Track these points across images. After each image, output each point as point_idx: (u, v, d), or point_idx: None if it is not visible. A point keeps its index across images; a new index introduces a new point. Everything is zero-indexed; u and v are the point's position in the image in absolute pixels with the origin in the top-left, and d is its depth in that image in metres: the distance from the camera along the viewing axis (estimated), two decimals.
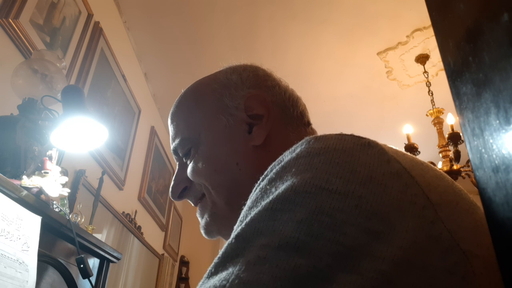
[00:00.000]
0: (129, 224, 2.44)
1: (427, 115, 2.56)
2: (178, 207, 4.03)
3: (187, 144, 0.53)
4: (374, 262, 0.24)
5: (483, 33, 0.22)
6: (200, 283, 0.29)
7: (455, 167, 2.29)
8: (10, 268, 0.75)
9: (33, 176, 0.97)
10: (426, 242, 0.26)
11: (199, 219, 0.55)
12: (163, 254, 3.30)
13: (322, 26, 2.49)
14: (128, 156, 2.49)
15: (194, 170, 0.52)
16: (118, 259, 1.40)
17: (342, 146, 0.31)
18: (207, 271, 0.29)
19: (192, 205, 0.57)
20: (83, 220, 1.43)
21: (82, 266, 1.05)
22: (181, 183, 0.55)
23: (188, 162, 0.53)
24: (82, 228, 1.21)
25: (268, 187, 0.31)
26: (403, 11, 2.37)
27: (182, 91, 0.59)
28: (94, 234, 1.38)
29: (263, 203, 0.30)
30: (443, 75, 2.71)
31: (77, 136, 1.10)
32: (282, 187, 0.30)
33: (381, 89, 3.04)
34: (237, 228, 0.30)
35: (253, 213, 0.29)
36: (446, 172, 2.22)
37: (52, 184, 1.00)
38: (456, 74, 0.25)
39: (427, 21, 2.42)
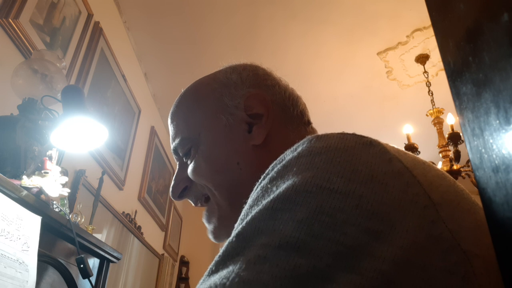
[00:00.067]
0: (129, 224, 2.44)
1: (427, 115, 2.56)
2: (178, 207, 4.03)
3: (187, 144, 0.53)
4: (374, 262, 0.24)
5: (483, 33, 0.22)
6: (201, 281, 0.29)
7: (455, 167, 2.29)
8: (10, 268, 0.75)
9: (33, 176, 0.97)
10: (427, 241, 0.26)
11: (206, 224, 0.55)
12: (163, 254, 3.30)
13: (322, 26, 2.49)
14: (128, 156, 2.49)
15: (195, 170, 0.52)
16: (118, 259, 1.40)
17: (343, 145, 0.31)
18: (208, 269, 0.29)
19: (193, 204, 0.57)
20: (83, 220, 1.43)
21: (82, 266, 1.05)
22: (181, 182, 0.55)
23: (189, 161, 0.53)
24: (82, 228, 1.21)
25: (269, 186, 0.31)
26: (403, 11, 2.37)
27: (182, 90, 0.59)
28: (94, 234, 1.38)
29: (264, 202, 0.30)
30: (443, 75, 2.72)
31: (77, 136, 1.10)
32: (283, 186, 0.29)
33: (381, 89, 3.04)
34: (238, 227, 0.30)
35: (254, 212, 0.29)
36: (446, 172, 2.22)
37: (52, 184, 1.00)
38: (456, 74, 0.25)
39: (427, 21, 2.42)
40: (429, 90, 2.64)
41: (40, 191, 0.96)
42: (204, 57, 2.73)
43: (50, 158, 1.05)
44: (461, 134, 2.22)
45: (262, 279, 0.24)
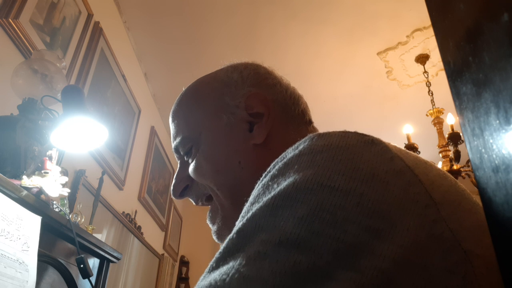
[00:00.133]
0: (129, 224, 2.44)
1: (427, 115, 2.57)
2: (178, 207, 4.03)
3: (188, 143, 0.53)
4: (375, 260, 0.24)
5: (483, 33, 0.22)
6: (202, 277, 0.29)
7: (455, 167, 2.29)
8: (10, 268, 0.75)
9: (33, 176, 0.97)
10: (428, 241, 0.26)
11: (210, 225, 0.55)
12: (163, 254, 3.30)
13: (322, 26, 2.49)
14: (128, 156, 2.49)
15: (196, 170, 0.52)
16: (118, 259, 1.40)
17: (345, 143, 0.31)
18: (209, 266, 0.29)
19: (193, 203, 0.57)
20: (83, 220, 1.43)
21: (82, 266, 1.05)
22: (182, 181, 0.55)
23: (190, 160, 0.53)
24: (82, 228, 1.21)
25: (270, 183, 0.31)
26: (403, 11, 2.37)
27: (183, 89, 0.59)
28: (94, 234, 1.38)
29: (265, 199, 0.30)
30: (443, 75, 2.72)
31: (77, 136, 1.10)
32: (284, 184, 0.30)
33: (381, 89, 3.04)
34: (238, 224, 0.30)
35: (254, 209, 0.29)
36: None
37: (52, 184, 1.00)
38: (456, 74, 0.25)
39: (427, 21, 2.42)
40: (429, 90, 2.64)
41: (40, 191, 0.96)
42: (204, 57, 2.73)
43: (50, 158, 1.05)
44: (461, 134, 2.22)
45: (262, 275, 0.24)
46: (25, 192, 0.88)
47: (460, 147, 2.26)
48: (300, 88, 0.59)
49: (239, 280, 0.25)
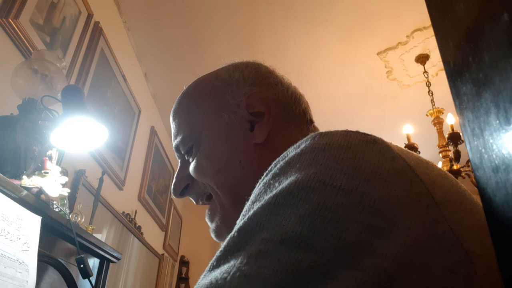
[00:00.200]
0: (129, 224, 2.44)
1: (427, 115, 2.57)
2: (178, 207, 4.03)
3: (188, 142, 0.53)
4: (376, 258, 0.24)
5: (483, 33, 0.22)
6: (202, 276, 0.29)
7: (455, 167, 2.29)
8: (10, 268, 0.75)
9: (33, 176, 0.97)
10: (429, 240, 0.26)
11: (209, 223, 0.55)
12: (163, 254, 3.30)
13: (322, 26, 2.49)
14: (128, 156, 2.49)
15: (196, 169, 0.52)
16: (118, 259, 1.40)
17: (347, 143, 0.31)
18: (209, 264, 0.29)
19: (194, 202, 0.57)
20: (83, 220, 1.43)
21: (82, 266, 1.05)
22: (182, 180, 0.55)
23: (190, 159, 0.53)
24: (82, 228, 1.21)
25: (271, 182, 0.31)
26: (403, 11, 2.37)
27: (184, 88, 0.58)
28: (94, 234, 1.38)
29: (266, 197, 0.30)
30: (443, 75, 2.72)
31: (77, 136, 1.10)
32: (285, 182, 0.29)
33: (381, 89, 3.04)
34: (239, 222, 0.30)
35: (256, 207, 0.29)
36: None
37: (52, 184, 1.00)
38: (456, 74, 0.25)
39: (427, 21, 2.42)
40: (429, 90, 2.64)
41: (40, 191, 0.96)
42: (204, 57, 2.73)
43: (50, 158, 1.05)
44: (461, 134, 2.22)
45: (263, 274, 0.24)
46: (25, 192, 0.88)
47: (460, 147, 2.26)
48: (300, 88, 0.59)
49: (240, 278, 0.24)
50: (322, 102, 3.14)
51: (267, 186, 0.31)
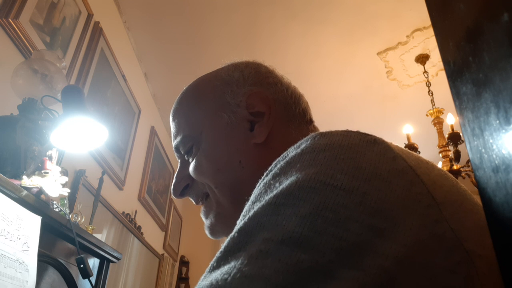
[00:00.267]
0: (129, 224, 2.44)
1: (427, 115, 2.57)
2: (178, 207, 4.03)
3: (188, 142, 0.53)
4: (377, 258, 0.24)
5: (483, 33, 0.22)
6: (202, 277, 0.28)
7: (455, 167, 2.29)
8: (10, 268, 0.75)
9: (33, 176, 0.97)
10: (430, 240, 0.26)
11: (204, 219, 0.55)
12: (163, 254, 3.30)
13: (322, 26, 2.49)
14: (128, 156, 2.49)
15: (196, 169, 0.52)
16: (118, 259, 1.40)
17: (347, 143, 0.31)
18: (209, 265, 0.29)
19: (194, 203, 0.57)
20: (83, 220, 1.43)
21: (82, 266, 1.05)
22: (182, 181, 0.55)
23: (190, 159, 0.53)
24: (82, 228, 1.21)
25: (272, 182, 0.31)
26: (403, 11, 2.37)
27: (184, 88, 0.58)
28: (94, 234, 1.38)
29: (267, 197, 0.30)
30: (443, 75, 2.72)
31: (77, 136, 1.10)
32: (286, 182, 0.29)
33: (381, 89, 3.04)
34: (240, 223, 0.30)
35: (256, 208, 0.29)
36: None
37: (52, 184, 1.00)
38: (456, 74, 0.25)
39: (427, 21, 2.42)
40: (429, 90, 2.64)
41: (40, 191, 0.96)
42: (204, 57, 2.73)
43: (50, 158, 1.05)
44: (461, 134, 2.22)
45: (264, 274, 0.24)
46: (25, 192, 0.88)
47: (460, 147, 2.26)
48: (300, 88, 0.59)
49: (241, 279, 0.24)
50: (322, 102, 3.14)
51: (268, 186, 0.31)
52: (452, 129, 2.30)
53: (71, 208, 1.58)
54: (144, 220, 2.85)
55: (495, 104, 0.21)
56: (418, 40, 2.58)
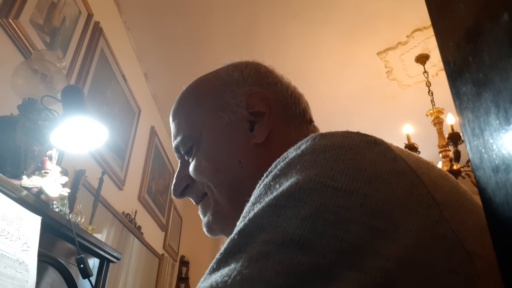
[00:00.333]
0: (129, 224, 2.44)
1: (427, 115, 2.56)
2: (178, 207, 4.03)
3: (188, 142, 0.53)
4: (378, 260, 0.24)
5: (483, 33, 0.22)
6: (202, 279, 0.28)
7: (455, 167, 2.29)
8: (10, 268, 0.75)
9: (33, 176, 0.97)
10: (431, 241, 0.26)
11: (201, 217, 0.55)
12: (163, 254, 3.30)
13: (322, 26, 2.49)
14: (128, 156, 2.49)
15: (196, 168, 0.52)
16: (118, 259, 1.40)
17: (348, 144, 0.31)
18: (209, 267, 0.28)
19: (194, 203, 0.57)
20: (83, 220, 1.43)
21: (82, 266, 1.05)
22: (183, 181, 0.55)
23: (190, 160, 0.53)
24: (82, 228, 1.21)
25: (272, 183, 0.31)
26: (403, 11, 2.37)
27: (184, 88, 0.58)
28: (94, 234, 1.38)
29: (267, 199, 0.29)
30: (443, 75, 2.72)
31: (77, 136, 1.10)
32: (286, 184, 0.29)
33: (381, 89, 3.04)
34: (240, 224, 0.30)
35: (256, 209, 0.29)
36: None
37: (52, 184, 1.00)
38: (456, 74, 0.25)
39: (427, 21, 2.42)
40: (429, 90, 2.64)
41: (40, 191, 0.96)
42: (204, 57, 2.73)
43: (50, 158, 1.05)
44: (461, 134, 2.22)
45: (264, 276, 0.24)
46: (25, 192, 0.88)
47: (460, 147, 2.26)
48: (300, 88, 0.59)
49: (241, 281, 0.24)
50: (322, 102, 3.14)
51: (268, 188, 0.31)
52: (452, 129, 2.30)
53: (71, 208, 1.58)
54: (144, 220, 2.85)
55: (495, 104, 0.21)
56: (418, 40, 2.58)
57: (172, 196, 0.58)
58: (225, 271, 0.26)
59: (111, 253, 1.34)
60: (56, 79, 1.16)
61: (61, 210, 1.09)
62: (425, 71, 2.73)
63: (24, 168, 0.99)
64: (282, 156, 0.34)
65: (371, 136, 0.33)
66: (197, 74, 0.60)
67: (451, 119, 2.38)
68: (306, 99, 0.59)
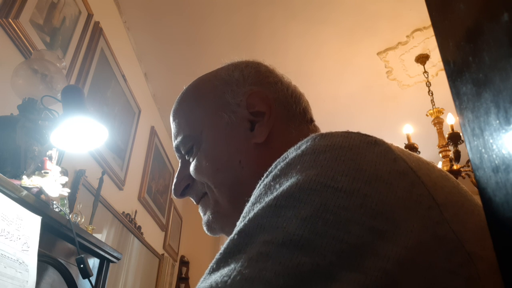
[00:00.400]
0: (129, 224, 2.44)
1: (427, 115, 2.56)
2: (178, 207, 4.03)
3: (189, 142, 0.53)
4: (379, 261, 0.24)
5: (483, 33, 0.22)
6: (202, 279, 0.28)
7: (455, 167, 2.29)
8: (10, 268, 0.75)
9: (33, 176, 0.97)
10: (431, 242, 0.26)
11: (202, 215, 0.55)
12: (163, 254, 3.30)
13: (322, 26, 2.49)
14: (128, 156, 2.49)
15: (196, 168, 0.52)
16: (118, 259, 1.40)
17: (348, 144, 0.31)
18: (209, 267, 0.28)
19: (194, 203, 0.57)
20: (83, 220, 1.43)
21: (82, 266, 1.05)
22: (183, 180, 0.55)
23: (191, 159, 0.53)
24: (82, 228, 1.21)
25: (272, 183, 0.31)
26: (403, 11, 2.37)
27: (184, 88, 0.58)
28: (94, 234, 1.38)
29: (267, 199, 0.29)
30: (443, 75, 2.71)
31: (77, 136, 1.10)
32: (286, 184, 0.29)
33: (381, 89, 3.04)
34: (239, 224, 0.30)
35: (256, 209, 0.29)
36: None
37: (52, 184, 1.00)
38: (456, 74, 0.25)
39: (427, 21, 2.42)
40: (429, 90, 2.64)
41: (40, 191, 0.96)
42: (204, 57, 2.73)
43: (50, 158, 1.05)
44: (461, 134, 2.22)
45: (264, 277, 0.24)
46: (25, 192, 0.88)
47: (460, 147, 2.26)
48: (301, 88, 0.59)
49: (241, 282, 0.24)
50: (323, 102, 3.14)
51: (268, 188, 0.31)
52: (452, 129, 2.30)
53: (71, 208, 1.58)
54: (144, 220, 2.85)
55: (495, 104, 0.21)
56: (418, 40, 2.58)
57: (173, 196, 0.58)
58: (225, 271, 0.26)
59: (111, 253, 1.34)
60: (56, 79, 1.16)
61: (61, 210, 1.09)
62: (425, 71, 2.73)
63: (24, 168, 0.99)
64: (282, 156, 0.34)
65: (371, 137, 0.32)
66: (197, 74, 0.60)
67: (451, 119, 2.38)
68: (306, 98, 0.59)
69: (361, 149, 0.30)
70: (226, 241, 0.29)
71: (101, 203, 2.01)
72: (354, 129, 0.35)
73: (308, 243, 0.25)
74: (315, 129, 0.56)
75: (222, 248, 0.29)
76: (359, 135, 0.32)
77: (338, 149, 0.30)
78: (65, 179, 1.05)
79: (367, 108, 3.26)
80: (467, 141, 0.25)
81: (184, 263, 4.03)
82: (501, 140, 0.21)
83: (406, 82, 2.96)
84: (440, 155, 2.42)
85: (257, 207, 0.30)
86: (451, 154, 2.33)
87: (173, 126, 0.56)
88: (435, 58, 2.71)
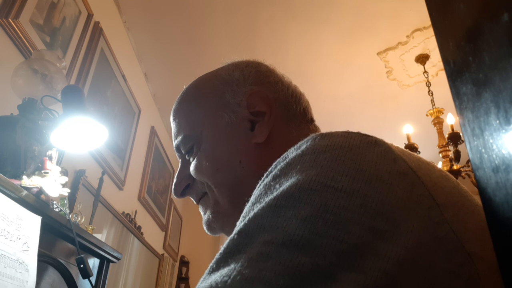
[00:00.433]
0: (129, 224, 2.44)
1: (427, 115, 2.56)
2: (178, 207, 4.03)
3: (189, 142, 0.53)
4: (379, 261, 0.24)
5: (483, 33, 0.22)
6: (202, 279, 0.28)
7: (455, 167, 2.29)
8: (10, 268, 0.75)
9: (33, 176, 0.97)
10: (431, 242, 0.26)
11: (202, 214, 0.55)
12: (163, 254, 3.30)
13: (322, 26, 2.49)
14: (128, 156, 2.49)
15: (196, 168, 0.52)
16: (118, 259, 1.40)
17: (348, 144, 0.31)
18: (209, 267, 0.28)
19: (194, 202, 0.57)
20: (83, 220, 1.43)
21: (82, 266, 1.05)
22: (183, 180, 0.55)
23: (191, 159, 0.53)
24: (82, 228, 1.21)
25: (272, 183, 0.31)
26: (403, 11, 2.37)
27: (184, 87, 0.58)
28: (94, 234, 1.38)
29: (267, 199, 0.29)
30: (443, 75, 2.71)
31: (77, 136, 1.10)
32: (286, 184, 0.29)
33: (381, 89, 3.04)
34: (239, 224, 0.30)
35: (256, 209, 0.29)
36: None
37: (52, 184, 1.00)
38: (456, 74, 0.25)
39: (427, 21, 2.42)
40: (429, 90, 2.64)
41: (40, 191, 0.96)
42: (204, 57, 2.73)
43: (50, 158, 1.05)
44: (461, 134, 2.22)
45: (264, 277, 0.24)
46: (25, 192, 0.88)
47: (460, 147, 2.26)
48: (301, 88, 0.59)
49: (241, 282, 0.24)
50: (323, 102, 3.14)
51: (268, 188, 0.31)
52: (452, 129, 2.30)
53: (71, 208, 1.58)
54: (144, 220, 2.85)
55: (495, 104, 0.21)
56: (418, 40, 2.58)
57: (173, 196, 0.58)
58: (224, 271, 0.26)
59: (111, 253, 1.34)
60: (56, 79, 1.16)
61: (61, 210, 1.09)
62: (425, 71, 2.73)
63: (24, 168, 0.99)
64: (282, 156, 0.34)
65: (371, 137, 0.32)
66: (197, 74, 0.60)
67: (451, 119, 2.38)
68: (307, 98, 0.59)
69: (361, 149, 0.30)
70: (226, 241, 0.29)
71: (101, 203, 2.01)
72: (354, 129, 0.35)
73: (308, 243, 0.25)
74: (316, 129, 0.56)
75: (222, 248, 0.29)
76: (359, 135, 0.32)
77: (338, 149, 0.30)
78: (65, 179, 1.05)
79: (367, 108, 3.26)
80: (467, 141, 0.25)
81: (184, 263, 4.03)
82: (501, 140, 0.21)
83: (406, 82, 2.96)
84: (440, 155, 2.42)
85: (257, 207, 0.29)
86: (451, 154, 2.33)
87: (173, 125, 0.56)
88: (435, 58, 2.71)
